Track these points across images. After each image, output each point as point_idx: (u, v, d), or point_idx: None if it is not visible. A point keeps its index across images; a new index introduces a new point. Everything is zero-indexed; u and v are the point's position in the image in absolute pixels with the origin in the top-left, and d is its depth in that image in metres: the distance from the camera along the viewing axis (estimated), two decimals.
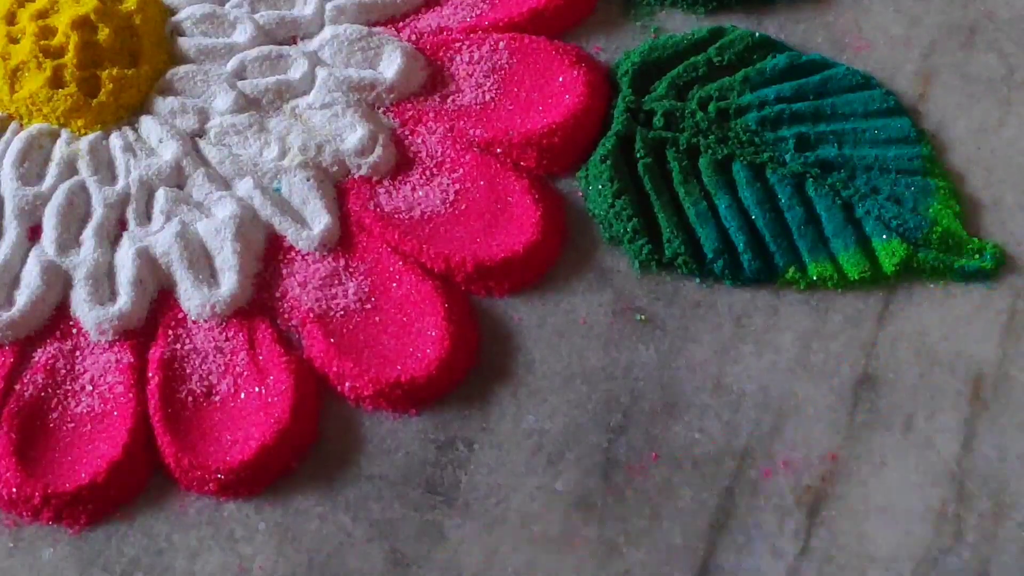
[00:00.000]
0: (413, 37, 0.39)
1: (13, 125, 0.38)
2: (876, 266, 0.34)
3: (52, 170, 0.37)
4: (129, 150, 0.37)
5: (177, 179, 0.37)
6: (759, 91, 0.37)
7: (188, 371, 0.34)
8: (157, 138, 0.37)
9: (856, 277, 0.34)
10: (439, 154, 0.37)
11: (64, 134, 0.37)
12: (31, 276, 0.35)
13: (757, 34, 0.38)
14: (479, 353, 0.34)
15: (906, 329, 0.34)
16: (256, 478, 0.32)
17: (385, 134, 0.37)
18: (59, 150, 0.37)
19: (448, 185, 0.36)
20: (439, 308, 0.34)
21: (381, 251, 0.35)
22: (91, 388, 0.34)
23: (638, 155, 0.36)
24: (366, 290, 0.34)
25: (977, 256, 0.34)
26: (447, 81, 0.38)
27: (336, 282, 0.35)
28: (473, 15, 0.39)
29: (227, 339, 0.34)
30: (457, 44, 0.38)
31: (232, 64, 0.38)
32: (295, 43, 0.39)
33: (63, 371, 0.34)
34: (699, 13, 0.39)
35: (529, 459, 0.32)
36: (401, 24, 0.39)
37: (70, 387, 0.34)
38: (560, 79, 0.37)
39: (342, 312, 0.34)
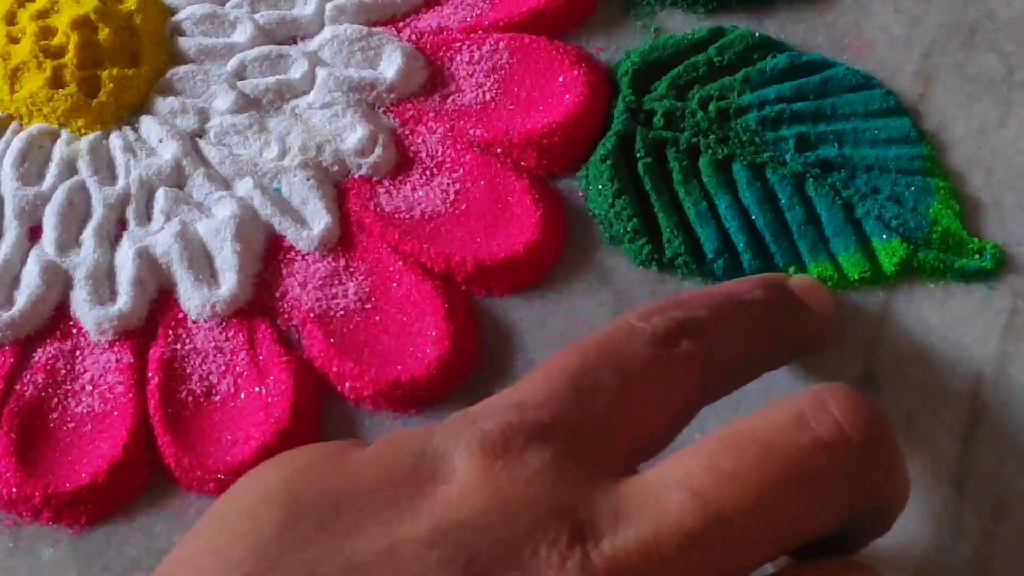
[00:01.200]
0: (413, 37, 0.39)
1: (13, 125, 0.38)
2: (876, 266, 0.34)
3: (52, 170, 0.37)
4: (129, 150, 0.37)
5: (177, 179, 0.37)
6: (759, 91, 0.37)
7: (188, 371, 0.34)
8: (157, 138, 0.37)
9: (856, 277, 0.34)
10: (439, 154, 0.37)
11: (64, 134, 0.37)
12: (31, 276, 0.35)
13: (757, 34, 0.38)
14: (479, 353, 0.34)
15: (906, 329, 0.34)
16: None
17: (385, 134, 0.37)
18: (59, 150, 0.37)
19: (448, 185, 0.36)
20: (439, 308, 0.34)
21: (381, 251, 0.35)
22: (91, 388, 0.34)
23: (638, 155, 0.36)
24: (366, 290, 0.34)
25: (977, 256, 0.34)
26: (447, 81, 0.38)
27: (336, 282, 0.35)
28: (473, 15, 0.39)
29: (227, 339, 0.34)
30: (457, 44, 0.38)
31: (232, 64, 0.38)
32: (295, 43, 0.39)
33: (63, 371, 0.34)
34: (699, 13, 0.39)
35: None
36: (401, 24, 0.39)
37: (70, 387, 0.34)
38: (560, 79, 0.37)
39: (342, 312, 0.34)
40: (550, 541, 0.23)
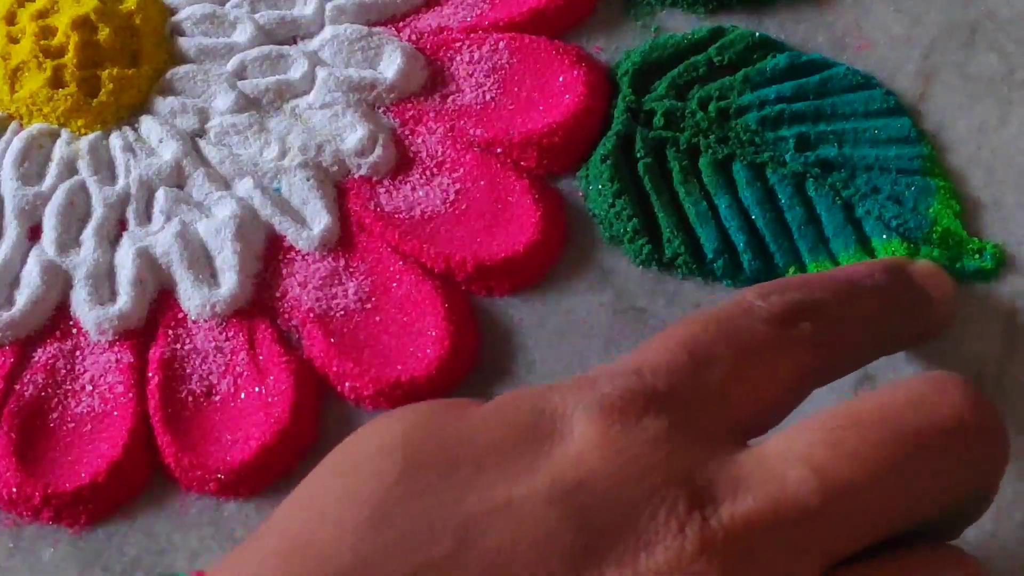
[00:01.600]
0: (413, 37, 0.39)
1: (13, 125, 0.38)
2: None
3: (52, 170, 0.37)
4: (129, 150, 0.37)
5: (177, 179, 0.37)
6: (759, 91, 0.37)
7: (188, 371, 0.34)
8: (157, 138, 0.37)
9: None
10: (439, 154, 0.37)
11: (64, 134, 0.37)
12: (31, 276, 0.35)
13: (757, 34, 0.38)
14: (479, 353, 0.34)
15: None
16: (257, 478, 0.32)
17: (385, 134, 0.37)
18: (59, 150, 0.37)
19: (448, 185, 0.36)
20: (439, 308, 0.34)
21: (381, 251, 0.35)
22: (91, 388, 0.34)
23: (638, 155, 0.36)
24: (366, 290, 0.34)
25: (977, 256, 0.34)
26: (447, 81, 0.38)
27: (336, 282, 0.35)
28: (473, 15, 0.39)
29: (227, 339, 0.34)
30: (457, 44, 0.38)
31: (232, 64, 0.38)
32: (295, 43, 0.39)
33: (63, 371, 0.34)
34: (699, 13, 0.39)
35: None
36: (401, 24, 0.39)
37: (70, 387, 0.34)
38: (560, 79, 0.37)
39: (342, 312, 0.34)
40: (669, 506, 0.24)
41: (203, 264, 0.35)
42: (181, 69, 0.38)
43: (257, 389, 0.33)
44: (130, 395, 0.33)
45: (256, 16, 0.39)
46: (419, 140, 0.37)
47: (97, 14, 0.38)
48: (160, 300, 0.35)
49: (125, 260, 0.35)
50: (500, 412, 0.26)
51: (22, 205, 0.36)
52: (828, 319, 0.28)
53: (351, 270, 0.35)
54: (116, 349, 0.34)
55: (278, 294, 0.35)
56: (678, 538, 0.23)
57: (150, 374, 0.33)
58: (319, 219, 0.35)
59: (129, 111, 0.38)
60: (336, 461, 0.26)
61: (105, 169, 0.37)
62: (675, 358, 0.26)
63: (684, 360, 0.26)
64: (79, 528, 0.32)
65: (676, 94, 0.37)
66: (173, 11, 0.40)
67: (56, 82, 0.37)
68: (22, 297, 0.35)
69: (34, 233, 0.36)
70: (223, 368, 0.34)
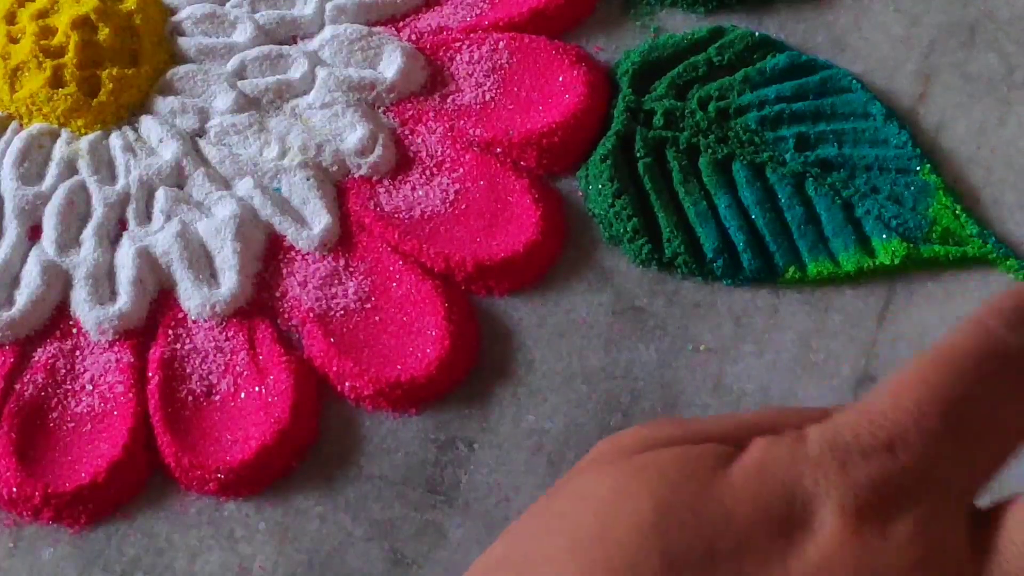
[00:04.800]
0: (413, 37, 0.39)
1: (13, 125, 0.38)
2: (876, 266, 0.34)
3: (52, 170, 0.37)
4: (129, 150, 0.37)
5: (177, 179, 0.37)
6: (759, 91, 0.37)
7: (188, 371, 0.34)
8: (157, 138, 0.37)
9: (854, 271, 0.34)
10: (439, 154, 0.37)
11: (64, 134, 0.37)
12: (31, 276, 0.35)
13: (757, 34, 0.38)
14: (479, 353, 0.34)
15: (906, 329, 0.34)
16: (256, 478, 0.32)
17: (385, 134, 0.37)
18: (59, 150, 0.37)
19: (448, 185, 0.36)
20: (439, 308, 0.34)
21: (381, 251, 0.35)
22: (91, 388, 0.34)
23: (638, 155, 0.36)
24: (366, 290, 0.34)
25: (979, 241, 0.34)
26: (447, 81, 0.38)
27: (336, 282, 0.35)
28: (473, 15, 0.39)
29: (227, 339, 0.34)
30: (457, 44, 0.38)
31: (232, 64, 0.38)
32: (295, 43, 0.39)
33: (63, 371, 0.34)
34: (699, 13, 0.39)
35: (529, 459, 0.32)
36: (401, 24, 0.39)
37: (70, 387, 0.34)
38: (560, 79, 0.37)
39: (342, 312, 0.34)
40: None
41: (203, 264, 0.35)
42: (181, 69, 0.38)
43: (257, 389, 0.33)
44: (130, 395, 0.33)
45: (256, 16, 0.39)
46: (419, 140, 0.37)
47: (97, 14, 0.38)
48: (160, 300, 0.35)
49: (125, 260, 0.35)
50: (752, 491, 0.24)
51: (22, 205, 0.36)
52: None
53: (351, 270, 0.35)
54: (116, 349, 0.34)
55: (278, 294, 0.35)
56: None
57: (150, 374, 0.33)
58: (319, 219, 0.35)
59: (129, 111, 0.38)
60: (575, 535, 0.24)
61: (105, 169, 0.37)
62: (928, 422, 0.23)
63: (936, 425, 0.23)
64: (79, 528, 0.32)
65: (676, 94, 0.37)
66: (173, 11, 0.40)
67: (56, 82, 0.37)
68: (22, 297, 0.35)
69: (34, 233, 0.36)
70: (223, 368, 0.34)
